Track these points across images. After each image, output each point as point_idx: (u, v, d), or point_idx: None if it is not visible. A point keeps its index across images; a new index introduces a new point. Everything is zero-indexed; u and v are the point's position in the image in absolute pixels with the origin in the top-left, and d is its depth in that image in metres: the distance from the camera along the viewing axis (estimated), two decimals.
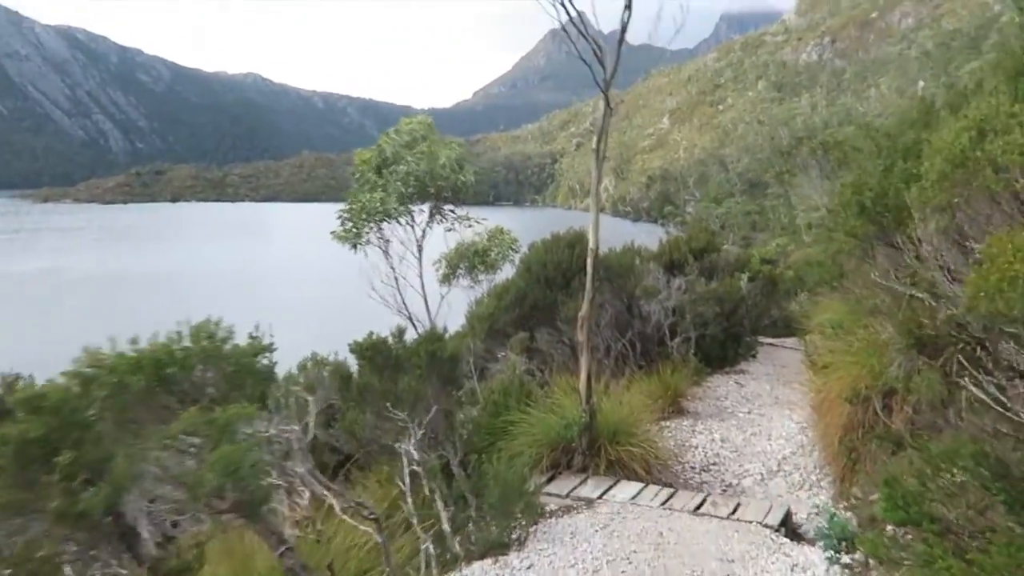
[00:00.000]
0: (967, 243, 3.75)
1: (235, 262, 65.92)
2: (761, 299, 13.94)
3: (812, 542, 5.33)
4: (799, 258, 26.49)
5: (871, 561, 4.07)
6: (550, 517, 5.90)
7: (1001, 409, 3.39)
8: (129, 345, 3.41)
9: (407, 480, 5.14)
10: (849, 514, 5.17)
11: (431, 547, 4.79)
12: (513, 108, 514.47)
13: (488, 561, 5.17)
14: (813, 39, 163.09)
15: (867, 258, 5.92)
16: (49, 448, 2.75)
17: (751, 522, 5.68)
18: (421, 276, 11.05)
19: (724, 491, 6.88)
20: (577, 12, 6.32)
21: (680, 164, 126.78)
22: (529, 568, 5.04)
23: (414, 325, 10.37)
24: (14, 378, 4.34)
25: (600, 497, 6.26)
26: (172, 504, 3.18)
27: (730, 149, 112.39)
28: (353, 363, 7.17)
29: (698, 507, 6.01)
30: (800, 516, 6.10)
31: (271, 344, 5.80)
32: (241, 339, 6.09)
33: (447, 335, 8.59)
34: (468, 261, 11.87)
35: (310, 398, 4.20)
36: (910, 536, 3.49)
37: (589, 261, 6.84)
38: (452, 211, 11.53)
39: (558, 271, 10.90)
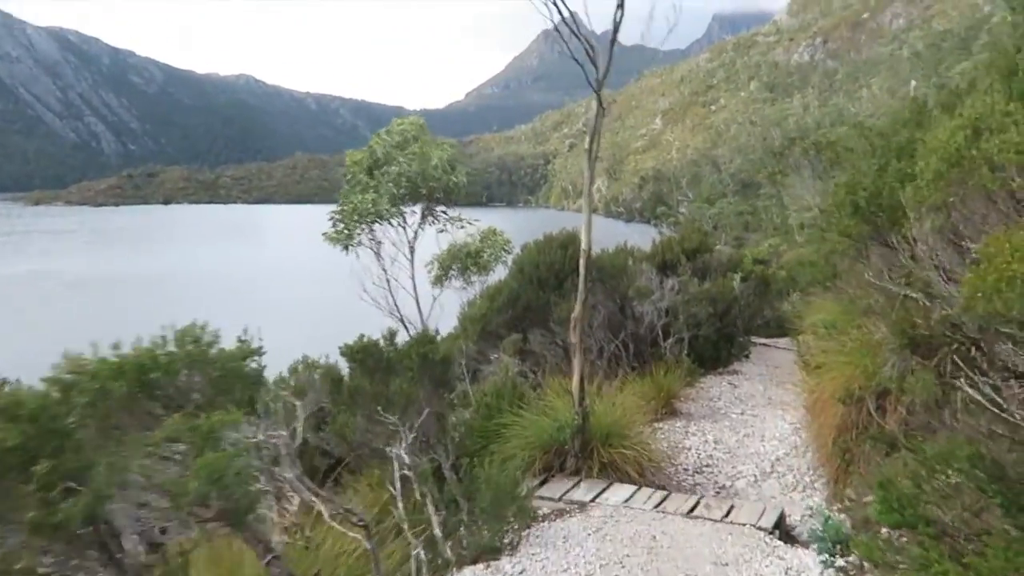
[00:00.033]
0: (963, 243, 3.72)
1: (228, 264, 65.66)
2: (754, 299, 13.93)
3: (806, 544, 5.31)
4: (791, 258, 26.50)
5: (865, 564, 4.03)
6: (543, 521, 5.86)
7: (996, 410, 3.37)
8: (111, 350, 3.34)
9: (398, 484, 5.08)
10: (843, 516, 5.14)
11: (422, 552, 4.73)
12: (506, 109, 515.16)
13: (480, 566, 5.12)
14: (805, 40, 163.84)
15: (861, 258, 5.90)
16: (27, 457, 2.69)
17: (745, 525, 5.65)
18: (413, 278, 11.00)
19: (717, 493, 6.85)
20: (570, 12, 6.29)
21: (673, 165, 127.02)
22: (521, 573, 5.00)
23: (406, 327, 10.32)
24: (0, 382, 4.27)
25: (593, 500, 6.22)
26: (158, 512, 3.12)
27: (723, 149, 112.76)
28: (344, 366, 7.11)
29: (691, 510, 5.98)
30: (794, 518, 6.07)
31: (260, 347, 5.73)
32: (230, 342, 6.04)
33: (439, 337, 8.54)
34: (460, 262, 11.82)
35: (298, 403, 4.14)
36: (905, 539, 3.46)
37: (582, 262, 6.80)
38: (444, 212, 11.49)
39: (551, 272, 10.86)
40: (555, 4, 6.26)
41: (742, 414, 9.07)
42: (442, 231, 11.61)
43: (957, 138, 3.63)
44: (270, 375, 6.56)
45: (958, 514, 3.14)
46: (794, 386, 9.11)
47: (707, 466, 7.47)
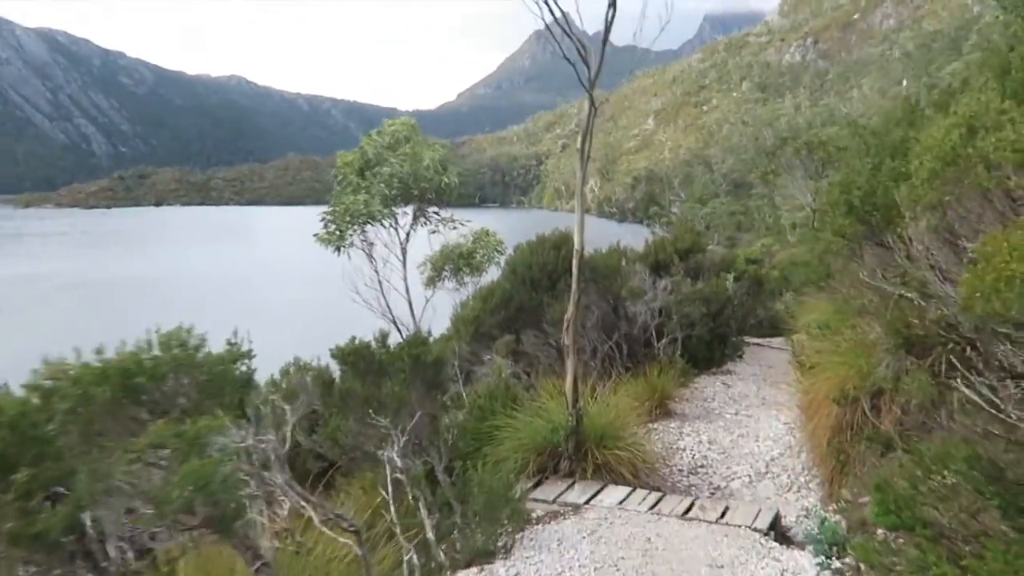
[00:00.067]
0: (959, 242, 3.70)
1: (220, 266, 65.42)
2: (747, 299, 13.94)
3: (801, 546, 5.27)
4: (784, 258, 26.59)
5: (862, 567, 4.00)
6: (536, 523, 5.80)
7: (993, 410, 3.33)
8: (95, 355, 3.28)
9: (390, 488, 5.02)
10: (838, 517, 5.11)
11: (415, 557, 4.68)
12: (498, 109, 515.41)
13: (473, 570, 5.07)
14: (796, 40, 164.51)
15: (855, 257, 5.87)
16: (5, 465, 2.62)
17: (740, 526, 5.62)
18: (405, 279, 10.96)
19: (712, 494, 6.81)
20: (562, 12, 6.25)
21: (665, 165, 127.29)
22: None
23: (398, 329, 10.27)
24: None
25: (587, 502, 6.17)
26: (145, 519, 3.06)
27: (715, 149, 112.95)
28: (336, 368, 7.05)
29: (686, 511, 5.94)
30: (789, 519, 6.04)
31: (250, 350, 5.67)
32: (221, 345, 5.96)
33: (432, 338, 8.49)
34: (453, 263, 11.79)
35: (287, 407, 4.08)
36: (902, 541, 3.43)
37: (575, 262, 6.76)
38: (436, 213, 11.46)
39: (544, 273, 10.82)
40: (547, 3, 6.23)
41: (736, 414, 9.04)
42: (434, 232, 11.58)
43: (952, 136, 3.60)
44: (262, 377, 6.50)
45: (955, 516, 3.11)
46: (788, 386, 9.09)
47: (702, 467, 7.44)
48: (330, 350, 6.82)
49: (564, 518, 5.89)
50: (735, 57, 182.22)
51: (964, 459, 3.14)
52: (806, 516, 5.50)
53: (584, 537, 5.47)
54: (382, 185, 10.62)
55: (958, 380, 3.55)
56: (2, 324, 37.27)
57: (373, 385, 6.42)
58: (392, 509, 4.94)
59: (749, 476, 7.15)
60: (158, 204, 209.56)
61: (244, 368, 5.44)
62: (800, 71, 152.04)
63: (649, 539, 5.40)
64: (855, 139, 7.42)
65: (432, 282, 11.89)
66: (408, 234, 11.32)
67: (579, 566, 5.01)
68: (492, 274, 11.90)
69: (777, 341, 13.37)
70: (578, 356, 6.90)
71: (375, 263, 10.93)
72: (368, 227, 10.91)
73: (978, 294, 2.61)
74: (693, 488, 6.97)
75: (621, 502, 6.14)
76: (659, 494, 6.34)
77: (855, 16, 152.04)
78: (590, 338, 9.92)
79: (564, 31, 6.28)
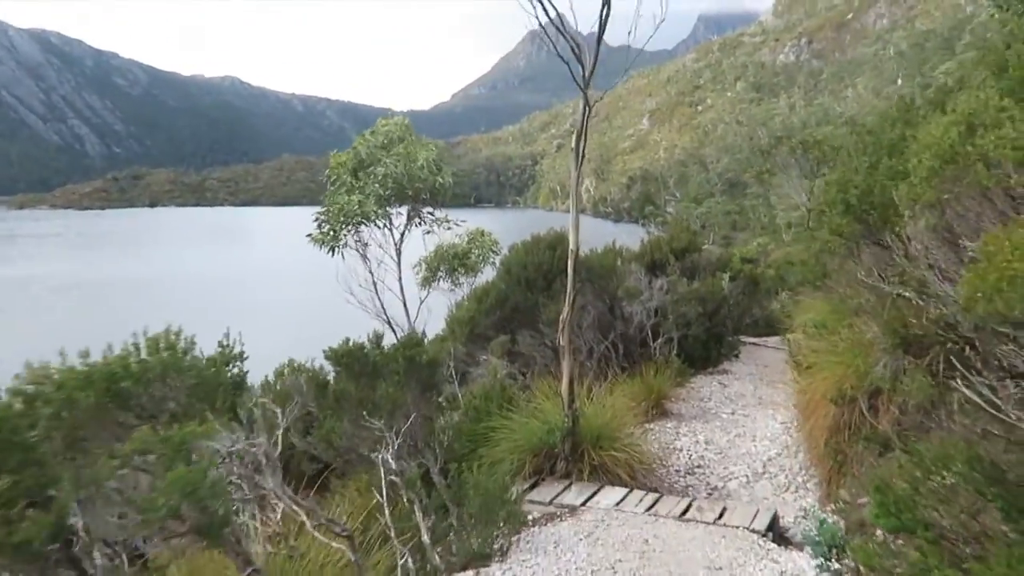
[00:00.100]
0: (958, 241, 3.66)
1: (214, 267, 65.27)
2: (743, 298, 13.91)
3: (800, 547, 5.23)
4: (780, 257, 26.60)
5: (861, 569, 3.96)
6: (533, 526, 5.76)
7: (992, 410, 3.30)
8: (79, 359, 3.21)
9: (384, 490, 4.97)
10: (836, 517, 5.07)
11: (410, 560, 4.63)
12: (493, 109, 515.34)
13: (469, 573, 5.01)
14: (790, 40, 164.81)
15: (852, 257, 5.83)
16: None
17: (738, 527, 5.57)
18: (400, 279, 10.90)
19: (709, 495, 6.77)
20: (556, 12, 6.20)
21: (660, 164, 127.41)
22: None
23: (393, 330, 10.21)
24: None
25: (584, 504, 6.12)
26: (134, 525, 3.00)
27: (710, 149, 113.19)
28: (330, 370, 6.99)
29: (683, 512, 5.89)
30: (787, 520, 6.00)
31: (242, 352, 5.62)
32: (215, 347, 5.89)
33: (426, 339, 8.44)
34: (448, 264, 11.74)
35: (278, 410, 4.03)
36: (901, 542, 3.39)
37: (570, 262, 6.71)
38: (431, 213, 11.40)
39: (539, 273, 10.76)
40: (541, 3, 6.18)
41: (733, 414, 9.01)
42: (429, 232, 11.52)
43: (951, 134, 3.56)
44: (256, 379, 6.44)
45: (956, 517, 3.07)
46: (785, 386, 9.06)
47: (699, 467, 7.40)
48: (323, 351, 6.76)
49: (561, 520, 5.84)
50: (729, 57, 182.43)
51: (964, 460, 3.10)
52: (804, 517, 5.46)
53: (581, 539, 5.42)
54: (376, 185, 10.56)
55: (957, 380, 3.51)
56: None
57: (367, 387, 6.36)
58: (387, 512, 4.89)
59: (746, 476, 7.11)
60: (152, 205, 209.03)
61: (236, 370, 5.37)
62: (794, 71, 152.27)
63: (646, 541, 5.36)
64: (851, 137, 7.39)
65: (427, 283, 11.84)
66: (403, 234, 11.26)
67: (576, 568, 4.97)
68: (487, 274, 11.84)
69: (773, 340, 13.36)
70: (574, 356, 6.86)
71: (369, 263, 10.87)
72: (362, 227, 10.84)
73: (980, 294, 2.57)
74: (690, 489, 6.92)
75: (618, 503, 6.10)
76: (656, 495, 6.30)
77: (849, 16, 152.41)
78: (586, 338, 9.88)
79: (559, 30, 6.24)
